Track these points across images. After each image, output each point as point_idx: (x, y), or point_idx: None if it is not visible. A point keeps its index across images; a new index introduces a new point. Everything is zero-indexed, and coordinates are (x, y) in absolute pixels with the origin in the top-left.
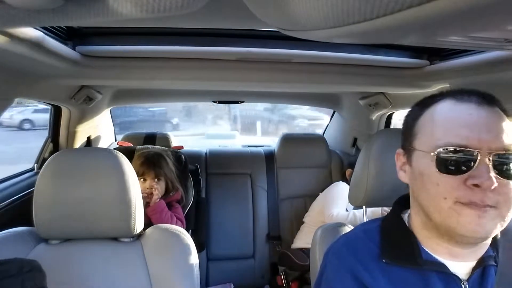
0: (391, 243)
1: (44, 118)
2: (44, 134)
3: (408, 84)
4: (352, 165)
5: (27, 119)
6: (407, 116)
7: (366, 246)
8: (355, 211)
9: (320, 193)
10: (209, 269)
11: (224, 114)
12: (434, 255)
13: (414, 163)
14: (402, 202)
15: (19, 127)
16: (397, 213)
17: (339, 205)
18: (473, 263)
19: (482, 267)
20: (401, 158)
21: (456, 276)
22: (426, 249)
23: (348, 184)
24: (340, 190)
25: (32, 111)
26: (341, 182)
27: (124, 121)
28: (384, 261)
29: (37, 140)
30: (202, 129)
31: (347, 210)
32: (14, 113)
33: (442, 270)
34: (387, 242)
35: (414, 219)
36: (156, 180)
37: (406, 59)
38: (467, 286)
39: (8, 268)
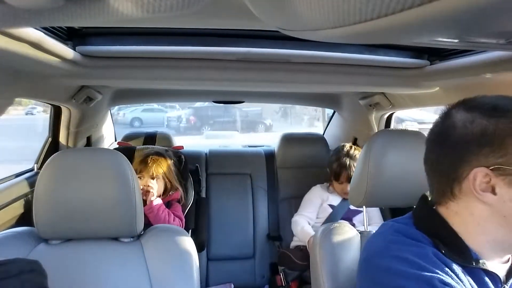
0: (441, 240)
1: (152, 116)
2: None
3: (408, 84)
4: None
5: (137, 118)
6: (480, 129)
7: (419, 247)
8: (305, 228)
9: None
10: (209, 269)
11: (320, 115)
12: (478, 255)
13: None
14: (427, 197)
15: (131, 124)
16: (434, 212)
17: (306, 210)
18: (505, 265)
19: None
20: (480, 177)
21: (498, 276)
22: (472, 248)
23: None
24: (308, 194)
25: (141, 110)
26: (318, 185)
27: (220, 121)
28: (442, 251)
29: None
30: (298, 130)
31: (333, 206)
32: (127, 112)
33: (486, 268)
34: (437, 239)
35: (475, 233)
36: (152, 178)
37: (406, 59)
38: None
39: (9, 268)
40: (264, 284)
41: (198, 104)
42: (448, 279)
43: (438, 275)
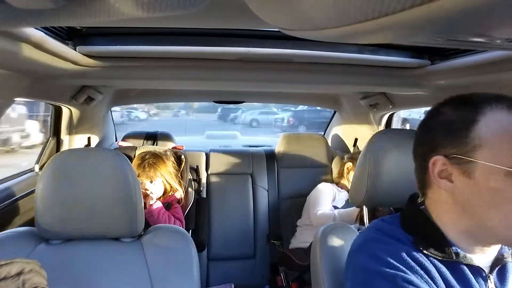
0: (422, 237)
1: (265, 118)
2: (263, 131)
3: (409, 83)
4: (350, 159)
5: (255, 119)
6: (443, 120)
7: (393, 245)
8: (336, 212)
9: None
10: (209, 269)
11: (406, 116)
12: (459, 248)
13: (478, 177)
14: (415, 197)
15: (249, 124)
16: (418, 208)
17: (322, 204)
18: (489, 256)
19: (501, 264)
20: (439, 165)
21: (481, 268)
22: (453, 242)
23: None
24: (321, 190)
25: (258, 113)
26: (323, 183)
27: (314, 122)
28: (420, 248)
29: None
30: None
31: (337, 207)
32: (247, 114)
33: (468, 262)
34: (417, 236)
35: (449, 223)
36: (151, 182)
37: (407, 59)
38: (492, 279)
39: (9, 268)
40: (265, 285)
41: (299, 107)
42: (412, 277)
43: (403, 274)
